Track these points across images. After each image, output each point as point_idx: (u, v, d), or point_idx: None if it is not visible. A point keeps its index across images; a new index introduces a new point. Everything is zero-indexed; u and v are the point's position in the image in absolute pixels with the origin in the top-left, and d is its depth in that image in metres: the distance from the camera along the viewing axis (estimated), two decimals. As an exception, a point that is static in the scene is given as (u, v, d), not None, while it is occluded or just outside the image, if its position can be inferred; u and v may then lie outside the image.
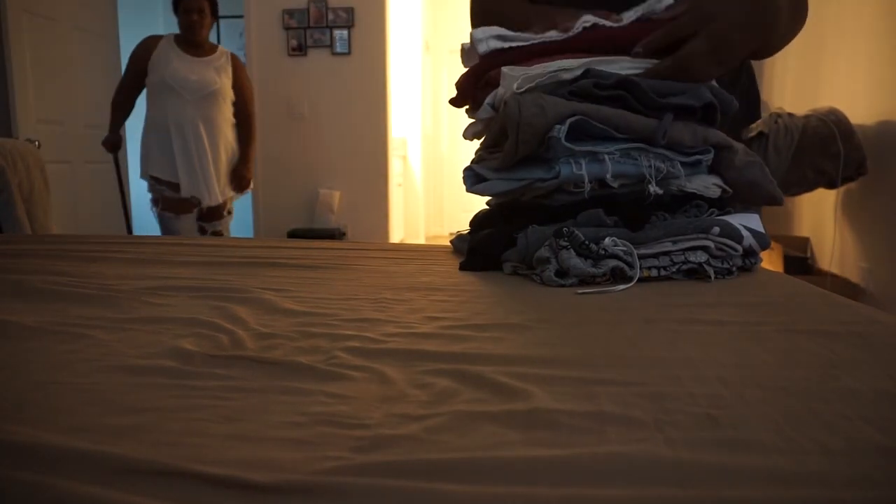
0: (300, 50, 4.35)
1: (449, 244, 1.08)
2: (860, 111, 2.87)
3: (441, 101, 6.77)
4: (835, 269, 3.10)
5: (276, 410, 0.37)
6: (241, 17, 4.63)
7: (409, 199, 5.89)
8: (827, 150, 2.76)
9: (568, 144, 0.72)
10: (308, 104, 4.39)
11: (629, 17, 0.78)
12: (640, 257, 0.73)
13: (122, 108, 3.07)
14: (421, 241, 6.04)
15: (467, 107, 0.92)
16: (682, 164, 0.77)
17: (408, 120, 5.90)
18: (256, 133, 3.22)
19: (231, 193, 3.17)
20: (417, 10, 5.79)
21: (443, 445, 0.32)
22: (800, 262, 3.24)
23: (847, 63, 3.01)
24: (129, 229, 3.27)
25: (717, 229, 0.74)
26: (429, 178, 6.52)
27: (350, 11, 4.29)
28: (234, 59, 3.11)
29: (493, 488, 0.27)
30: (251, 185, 3.25)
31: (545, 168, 0.75)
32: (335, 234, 4.31)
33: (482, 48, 0.80)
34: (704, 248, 0.74)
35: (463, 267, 0.86)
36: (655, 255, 0.74)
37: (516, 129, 0.72)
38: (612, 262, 0.72)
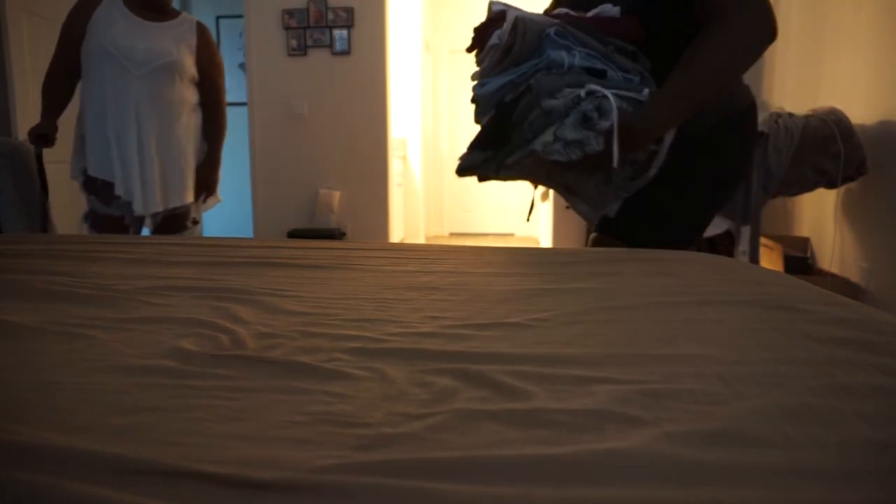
0: (300, 50, 4.35)
1: (448, 244, 1.08)
2: (860, 111, 2.87)
3: (441, 101, 6.76)
4: (835, 269, 3.10)
5: (277, 410, 0.37)
6: (240, 17, 4.63)
7: (409, 199, 5.89)
8: (827, 150, 2.75)
9: (555, 38, 1.12)
10: (308, 104, 4.39)
11: (590, 14, 1.17)
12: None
13: (56, 93, 2.26)
14: (421, 241, 6.04)
15: (476, 52, 1.26)
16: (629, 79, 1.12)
17: (408, 120, 5.90)
18: (226, 127, 2.44)
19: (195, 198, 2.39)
20: (417, 10, 5.78)
21: (443, 444, 0.32)
22: (800, 262, 3.24)
23: (847, 63, 3.01)
24: (45, 228, 2.50)
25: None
26: (429, 178, 6.52)
27: (350, 11, 4.29)
28: (201, 29, 2.32)
29: (493, 487, 0.27)
30: (217, 194, 2.48)
31: (536, 58, 1.12)
32: (335, 234, 4.31)
33: (496, 8, 1.21)
34: None
35: (460, 171, 1.15)
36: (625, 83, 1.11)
37: (524, 30, 1.11)
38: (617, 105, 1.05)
